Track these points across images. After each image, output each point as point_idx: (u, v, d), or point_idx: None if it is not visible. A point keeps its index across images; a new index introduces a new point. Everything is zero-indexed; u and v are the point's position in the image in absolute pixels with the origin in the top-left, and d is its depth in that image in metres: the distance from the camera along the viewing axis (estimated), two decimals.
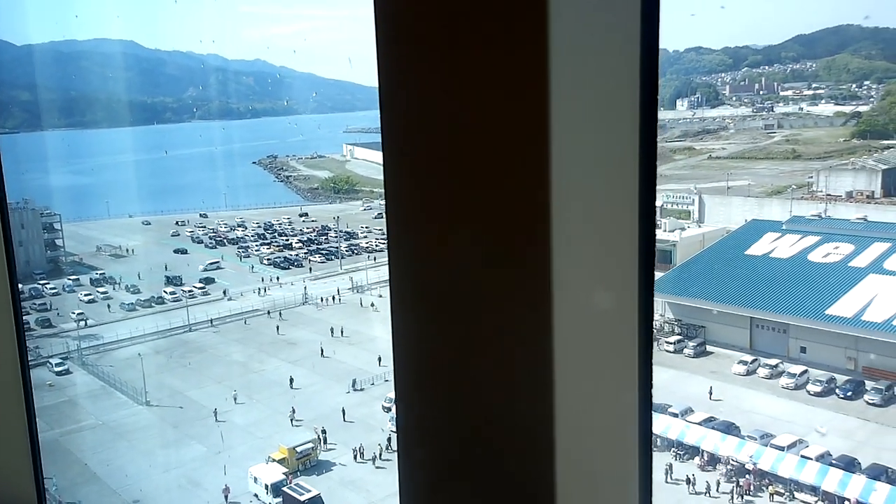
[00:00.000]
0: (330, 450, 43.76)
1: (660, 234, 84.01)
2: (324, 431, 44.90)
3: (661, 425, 42.37)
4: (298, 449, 42.17)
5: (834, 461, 37.58)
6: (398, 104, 0.93)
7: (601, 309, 0.97)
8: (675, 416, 43.59)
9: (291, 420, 47.74)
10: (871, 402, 45.48)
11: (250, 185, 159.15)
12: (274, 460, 41.67)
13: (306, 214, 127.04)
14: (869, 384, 46.90)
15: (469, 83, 0.87)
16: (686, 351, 55.86)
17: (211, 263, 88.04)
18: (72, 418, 50.04)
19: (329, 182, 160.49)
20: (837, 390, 47.10)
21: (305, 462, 42.15)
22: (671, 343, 57.02)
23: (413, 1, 0.89)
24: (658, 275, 67.80)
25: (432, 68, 0.89)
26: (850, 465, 37.28)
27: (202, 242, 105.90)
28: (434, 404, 0.98)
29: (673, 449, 41.27)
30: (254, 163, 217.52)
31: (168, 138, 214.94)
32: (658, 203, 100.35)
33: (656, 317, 61.29)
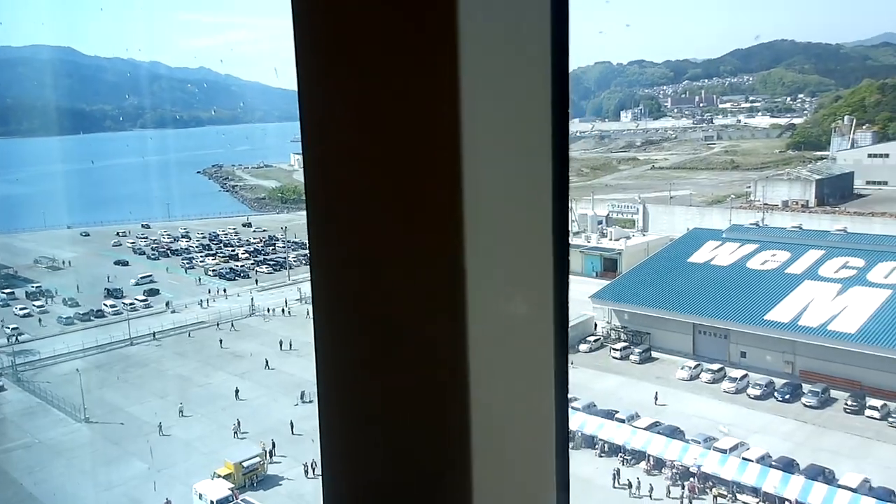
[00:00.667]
0: (277, 463, 43.02)
1: (606, 243, 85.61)
2: (273, 445, 44.13)
3: (609, 431, 43.02)
4: (245, 464, 41.30)
5: (774, 463, 38.68)
6: (317, 111, 0.95)
7: (516, 313, 0.99)
8: (622, 421, 44.27)
9: (235, 433, 46.84)
10: (807, 404, 47.03)
11: (195, 194, 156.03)
12: (219, 476, 40.72)
13: (250, 224, 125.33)
14: (806, 387, 48.51)
15: (383, 92, 0.89)
16: (632, 357, 56.87)
17: (143, 277, 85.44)
18: (6, 436, 48.05)
19: (277, 192, 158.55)
20: (776, 393, 48.55)
21: (252, 477, 41.31)
22: (618, 350, 58.01)
23: (330, 8, 0.91)
24: (605, 283, 68.98)
25: (349, 76, 0.91)
26: (788, 466, 38.41)
27: (144, 254, 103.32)
28: (353, 407, 1.00)
29: (620, 454, 41.91)
30: (198, 172, 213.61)
31: (108, 147, 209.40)
32: (604, 212, 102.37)
33: (603, 324, 62.34)
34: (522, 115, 0.96)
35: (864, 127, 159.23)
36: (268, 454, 43.19)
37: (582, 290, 71.60)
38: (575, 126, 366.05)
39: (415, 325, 0.93)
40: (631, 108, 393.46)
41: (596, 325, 62.84)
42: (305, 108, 0.95)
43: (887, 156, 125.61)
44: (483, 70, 0.88)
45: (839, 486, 35.74)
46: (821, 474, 37.31)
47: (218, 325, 69.41)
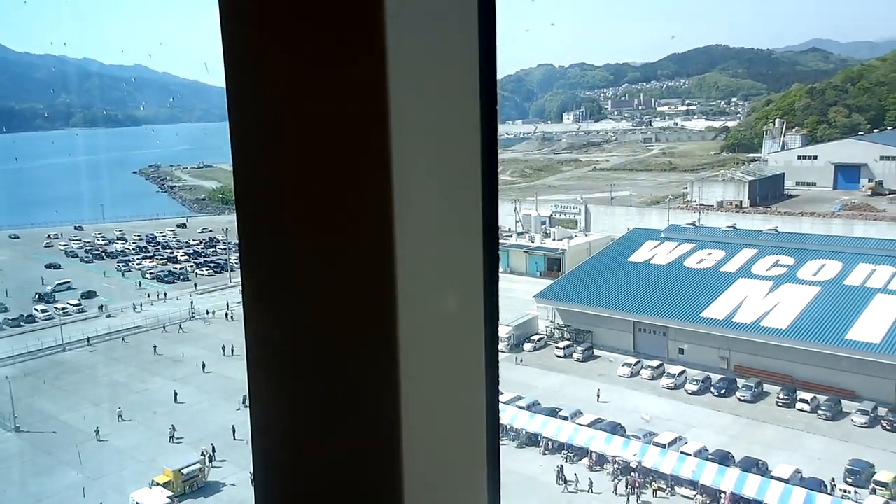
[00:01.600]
0: (217, 468, 42.14)
1: (549, 243, 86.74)
2: (213, 450, 43.20)
3: (552, 428, 43.58)
4: (184, 471, 40.30)
5: (710, 456, 39.84)
6: (246, 111, 0.96)
7: (447, 310, 1.00)
8: (566, 419, 44.91)
9: (172, 438, 45.72)
10: (742, 398, 48.60)
11: (131, 195, 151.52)
12: (158, 484, 39.63)
13: (185, 225, 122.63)
14: (740, 382, 50.12)
15: (311, 94, 0.90)
16: (575, 356, 57.74)
17: (60, 284, 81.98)
18: None
19: (217, 192, 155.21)
20: (712, 388, 50.02)
21: (192, 484, 40.34)
22: (561, 348, 58.80)
23: (257, 10, 0.91)
24: (548, 282, 69.87)
25: (277, 74, 0.91)
26: (724, 459, 39.60)
27: (77, 256, 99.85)
28: (284, 407, 1.00)
29: (564, 451, 42.50)
30: (134, 172, 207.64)
31: (39, 146, 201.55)
32: (547, 213, 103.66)
33: (546, 323, 63.12)
34: (451, 113, 0.98)
35: (793, 130, 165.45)
36: (207, 459, 42.29)
37: (526, 290, 72.37)
38: (518, 128, 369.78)
39: (345, 323, 0.93)
40: (573, 109, 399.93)
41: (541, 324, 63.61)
42: (233, 113, 0.96)
43: (815, 158, 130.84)
44: (411, 72, 0.88)
45: (772, 478, 37.02)
46: (755, 466, 38.59)
47: (157, 329, 67.61)
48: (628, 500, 38.03)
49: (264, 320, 1.00)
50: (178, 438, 45.94)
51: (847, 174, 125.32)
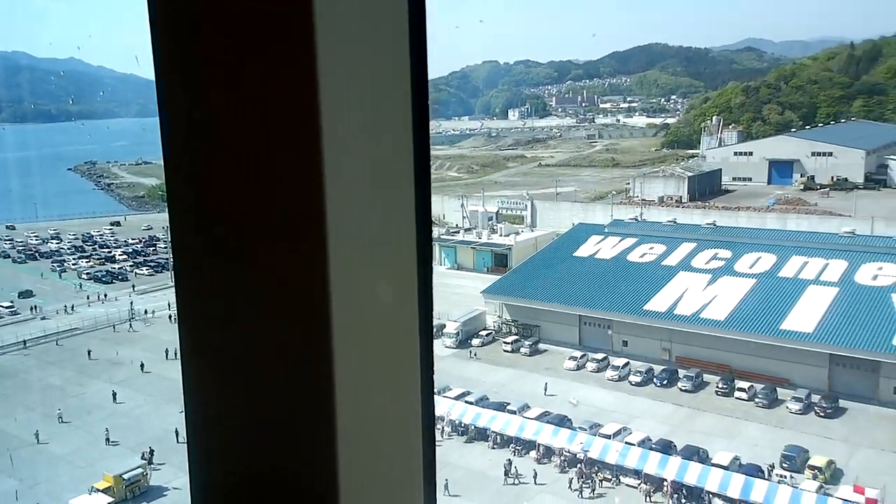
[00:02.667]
0: (158, 470, 41.15)
1: (496, 239, 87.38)
2: (152, 453, 42.17)
3: (501, 423, 43.97)
4: (126, 476, 39.22)
5: (653, 445, 40.82)
6: (176, 110, 0.96)
7: (380, 302, 1.02)
8: (514, 412, 45.37)
9: (112, 442, 44.48)
10: (683, 388, 49.93)
11: (66, 193, 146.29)
12: (98, 490, 38.45)
13: (119, 223, 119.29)
14: (682, 372, 51.49)
15: (242, 87, 0.90)
16: (522, 350, 58.35)
17: None
18: None
19: (157, 190, 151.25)
20: (655, 379, 51.24)
21: (134, 489, 39.31)
22: (509, 343, 59.35)
23: (189, 10, 0.91)
24: (496, 278, 70.39)
25: (207, 72, 0.92)
26: (666, 447, 40.65)
27: (9, 257, 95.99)
28: (218, 401, 1.01)
29: (512, 445, 42.94)
30: (69, 169, 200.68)
31: None
32: (494, 209, 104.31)
33: (494, 318, 63.61)
34: (382, 109, 0.99)
35: (730, 127, 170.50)
36: (148, 462, 41.30)
37: (474, 286, 72.79)
38: (464, 124, 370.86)
39: (279, 315, 0.94)
40: (518, 106, 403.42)
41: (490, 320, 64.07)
42: (164, 111, 0.96)
43: (751, 154, 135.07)
44: (341, 68, 0.90)
45: (712, 465, 38.16)
46: (696, 454, 39.70)
47: (95, 330, 65.52)
48: (581, 493, 38.53)
49: (197, 318, 1.00)
50: (118, 443, 44.69)
51: (781, 170, 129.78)
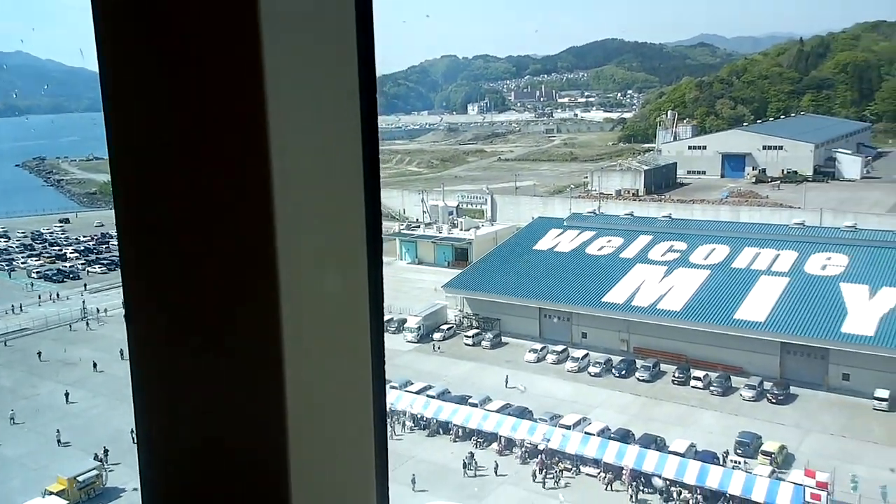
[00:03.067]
0: (110, 471, 40.33)
1: (457, 233, 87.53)
2: (105, 453, 41.29)
3: (462, 416, 44.17)
4: (80, 478, 38.35)
5: (612, 435, 41.48)
6: (122, 106, 0.95)
7: (330, 294, 1.02)
8: (475, 405, 45.61)
9: (65, 444, 43.47)
10: (641, 378, 50.79)
11: (13, 190, 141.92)
12: (51, 493, 37.50)
13: (68, 220, 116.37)
14: (639, 363, 52.37)
15: (188, 87, 0.90)
16: (483, 343, 58.66)
17: None
18: None
19: (109, 186, 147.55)
20: (613, 370, 52.00)
21: (90, 492, 38.46)
22: (470, 337, 59.59)
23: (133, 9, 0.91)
24: (456, 272, 70.56)
25: (152, 70, 0.91)
26: (625, 437, 41.35)
27: None
28: (168, 396, 1.01)
29: (474, 437, 43.17)
30: (17, 165, 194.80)
31: None
32: (454, 203, 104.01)
33: (455, 312, 63.78)
34: (330, 104, 0.98)
35: (684, 121, 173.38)
36: (102, 463, 40.46)
37: (434, 280, 72.86)
38: (424, 118, 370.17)
39: (227, 308, 0.94)
40: (477, 101, 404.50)
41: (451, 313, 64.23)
42: (109, 107, 0.96)
43: (705, 148, 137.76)
44: (288, 59, 0.89)
45: (669, 453, 38.93)
46: (653, 442, 40.45)
47: (46, 330, 63.79)
48: (544, 484, 38.88)
49: (145, 312, 1.00)
50: (71, 444, 43.66)
51: (733, 163, 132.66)
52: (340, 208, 1.03)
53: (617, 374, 51.51)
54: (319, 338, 1.00)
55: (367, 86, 1.03)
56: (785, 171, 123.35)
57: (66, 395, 49.93)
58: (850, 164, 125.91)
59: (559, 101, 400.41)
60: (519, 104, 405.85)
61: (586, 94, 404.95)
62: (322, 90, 0.97)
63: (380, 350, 1.09)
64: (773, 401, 46.21)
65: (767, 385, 47.26)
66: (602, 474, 38.80)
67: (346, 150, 1.02)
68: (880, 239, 58.00)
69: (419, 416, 45.22)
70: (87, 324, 65.90)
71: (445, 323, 62.85)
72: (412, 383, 49.85)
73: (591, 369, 52.27)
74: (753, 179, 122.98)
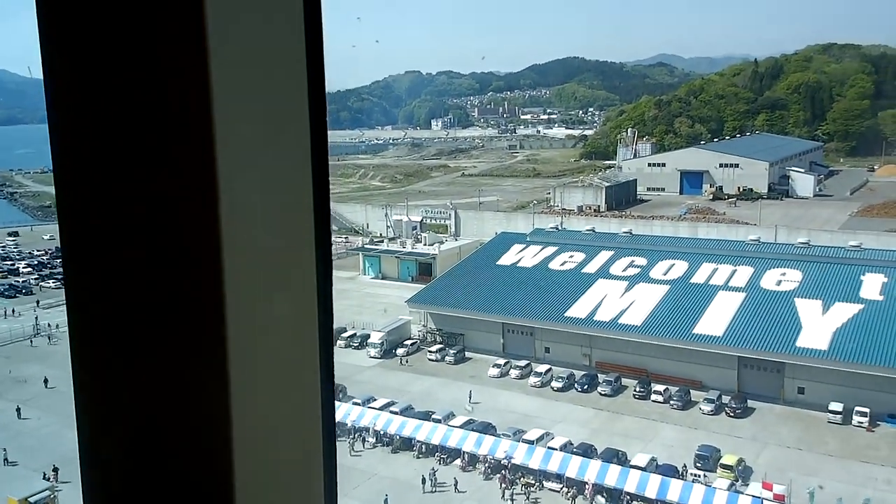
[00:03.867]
0: (58, 490, 39.16)
1: (421, 248, 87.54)
2: (55, 471, 40.11)
3: (425, 432, 43.99)
4: (31, 499, 37.16)
5: (575, 449, 41.71)
6: (66, 117, 0.94)
7: (278, 315, 1.01)
8: (439, 421, 45.46)
9: (14, 464, 42.06)
10: (603, 393, 51.24)
11: None
12: None
13: (16, 233, 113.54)
14: (601, 377, 52.84)
15: (133, 94, 0.89)
16: (447, 359, 58.59)
17: None
18: None
19: None
20: (576, 385, 52.38)
21: None
22: (433, 352, 59.47)
23: (77, 16, 0.89)
24: (420, 287, 70.49)
25: (97, 78, 0.90)
26: (588, 451, 41.63)
27: None
28: (112, 413, 1.00)
29: (437, 453, 43.01)
30: None
31: None
32: (418, 218, 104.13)
33: (419, 327, 63.65)
34: (278, 115, 0.97)
35: (644, 138, 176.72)
36: (53, 483, 39.28)
37: (398, 295, 72.65)
38: (388, 133, 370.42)
39: (174, 328, 0.92)
40: (441, 116, 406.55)
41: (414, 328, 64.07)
42: (52, 118, 0.94)
43: (664, 165, 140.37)
44: (235, 71, 0.88)
45: (631, 467, 39.31)
46: (615, 457, 40.78)
47: (1, 346, 61.89)
48: (504, 496, 38.92)
49: (88, 327, 0.99)
50: (22, 464, 42.27)
51: (691, 180, 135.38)
52: (289, 227, 1.01)
53: (579, 389, 51.88)
54: (266, 357, 0.99)
55: (316, 101, 1.02)
56: (741, 189, 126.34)
57: (18, 412, 48.45)
58: (803, 182, 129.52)
59: (522, 117, 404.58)
60: (482, 120, 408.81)
61: (548, 111, 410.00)
62: (270, 104, 0.95)
63: (329, 369, 1.12)
64: (732, 414, 47.01)
65: (726, 399, 48.07)
66: (564, 489, 38.94)
67: (295, 167, 1.01)
68: (832, 255, 59.73)
69: (382, 432, 44.91)
70: (31, 341, 64.10)
71: (409, 338, 62.66)
72: (375, 399, 49.52)
73: (555, 384, 52.56)
74: (711, 196, 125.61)
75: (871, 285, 52.61)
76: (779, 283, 55.51)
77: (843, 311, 50.07)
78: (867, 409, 44.43)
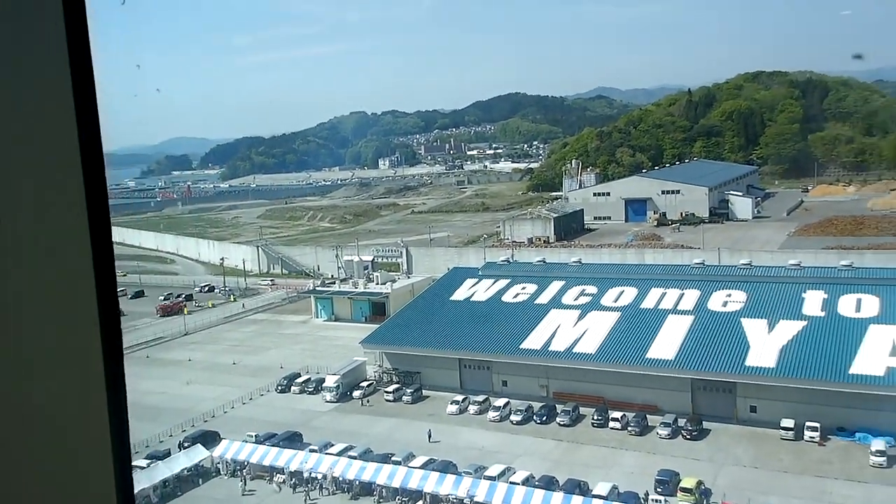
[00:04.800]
0: None
1: (373, 287, 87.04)
2: None
3: (385, 475, 43.19)
4: None
5: (537, 483, 41.46)
6: None
7: (64, 362, 0.98)
8: (398, 463, 44.74)
9: None
10: (562, 423, 51.26)
11: None
12: None
13: None
14: (559, 408, 52.91)
15: None
16: (405, 398, 57.93)
17: None
18: None
19: None
20: (535, 417, 52.28)
21: None
22: (390, 392, 58.74)
23: None
24: (374, 327, 69.87)
25: None
26: (549, 483, 41.41)
27: None
28: None
29: (398, 496, 42.23)
30: None
31: None
32: (369, 258, 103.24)
33: (375, 368, 62.91)
34: (51, 168, 0.95)
35: (588, 169, 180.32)
36: None
37: (352, 336, 71.85)
38: (335, 174, 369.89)
39: None
40: (388, 155, 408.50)
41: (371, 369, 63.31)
42: None
43: (608, 194, 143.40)
44: (4, 125, 0.88)
45: (593, 496, 39.23)
46: (577, 487, 40.68)
47: None
48: None
49: None
50: None
51: (636, 207, 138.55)
52: (68, 298, 0.98)
53: (538, 421, 51.81)
54: (54, 407, 0.96)
55: (92, 159, 0.98)
56: (683, 214, 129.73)
57: None
58: (742, 205, 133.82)
59: (468, 153, 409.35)
60: (429, 157, 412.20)
61: (494, 146, 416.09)
62: (42, 165, 0.93)
63: (121, 418, 1.05)
64: (688, 437, 47.52)
65: (682, 421, 48.61)
66: None
67: (69, 227, 0.99)
68: (774, 274, 61.57)
69: (341, 478, 43.96)
70: None
71: (365, 379, 61.87)
72: (333, 444, 48.55)
73: (514, 417, 52.40)
74: (655, 223, 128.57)
75: (813, 302, 54.31)
76: (725, 304, 56.83)
77: (788, 329, 51.47)
78: (817, 424, 45.49)
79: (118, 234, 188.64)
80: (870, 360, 46.33)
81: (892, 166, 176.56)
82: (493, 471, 43.04)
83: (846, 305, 52.96)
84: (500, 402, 54.25)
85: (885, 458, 41.71)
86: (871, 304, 52.34)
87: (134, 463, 47.49)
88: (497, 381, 58.18)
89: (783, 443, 45.72)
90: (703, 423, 48.69)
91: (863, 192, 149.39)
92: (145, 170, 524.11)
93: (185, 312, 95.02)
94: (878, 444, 42.70)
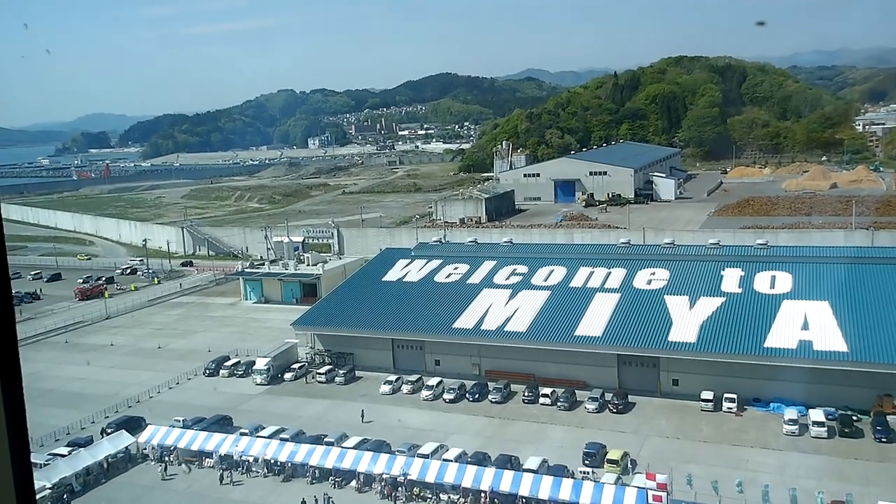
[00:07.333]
0: None
1: (304, 269, 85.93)
2: None
3: (318, 456, 43.00)
4: None
5: (469, 459, 42.07)
6: None
7: None
8: (331, 444, 44.58)
9: None
10: (493, 400, 52.10)
11: None
12: None
13: None
14: (491, 385, 53.73)
15: None
16: (337, 379, 57.68)
17: None
18: None
19: None
20: (467, 395, 52.95)
21: None
22: (322, 374, 58.39)
23: None
24: (306, 308, 69.07)
25: None
26: (482, 460, 42.08)
27: None
28: None
29: (331, 477, 42.13)
30: None
31: None
32: (299, 238, 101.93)
33: (307, 350, 62.30)
34: None
35: (518, 150, 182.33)
36: None
37: (283, 318, 70.88)
38: (263, 154, 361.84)
39: None
40: (318, 135, 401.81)
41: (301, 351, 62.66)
42: None
43: (538, 175, 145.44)
44: None
45: (524, 470, 40.10)
46: (509, 462, 41.50)
47: None
48: None
49: None
50: None
51: (565, 188, 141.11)
52: None
53: (471, 399, 52.49)
54: None
55: None
56: (610, 195, 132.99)
57: None
58: (665, 187, 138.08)
59: (400, 133, 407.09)
60: (360, 137, 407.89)
61: (425, 126, 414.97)
62: None
63: (19, 421, 0.96)
64: (615, 410, 49.08)
65: (608, 396, 50.16)
66: (461, 499, 39.18)
67: None
68: (695, 253, 63.89)
69: (273, 460, 43.53)
70: None
71: (297, 361, 61.26)
72: (264, 427, 47.99)
73: (446, 396, 52.91)
74: (583, 203, 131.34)
75: (731, 279, 56.69)
76: (649, 282, 58.69)
77: (708, 305, 53.63)
78: (735, 395, 47.74)
79: (32, 214, 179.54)
80: (783, 333, 48.82)
81: (805, 149, 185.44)
82: (426, 449, 43.43)
83: (762, 282, 55.52)
84: (433, 381, 54.68)
85: (797, 427, 44.18)
86: (784, 281, 55.03)
87: (54, 451, 45.74)
88: (430, 360, 58.57)
89: (703, 414, 47.79)
90: (629, 396, 50.37)
91: (777, 174, 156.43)
92: (60, 147, 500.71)
93: (106, 296, 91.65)
94: (790, 413, 45.16)
